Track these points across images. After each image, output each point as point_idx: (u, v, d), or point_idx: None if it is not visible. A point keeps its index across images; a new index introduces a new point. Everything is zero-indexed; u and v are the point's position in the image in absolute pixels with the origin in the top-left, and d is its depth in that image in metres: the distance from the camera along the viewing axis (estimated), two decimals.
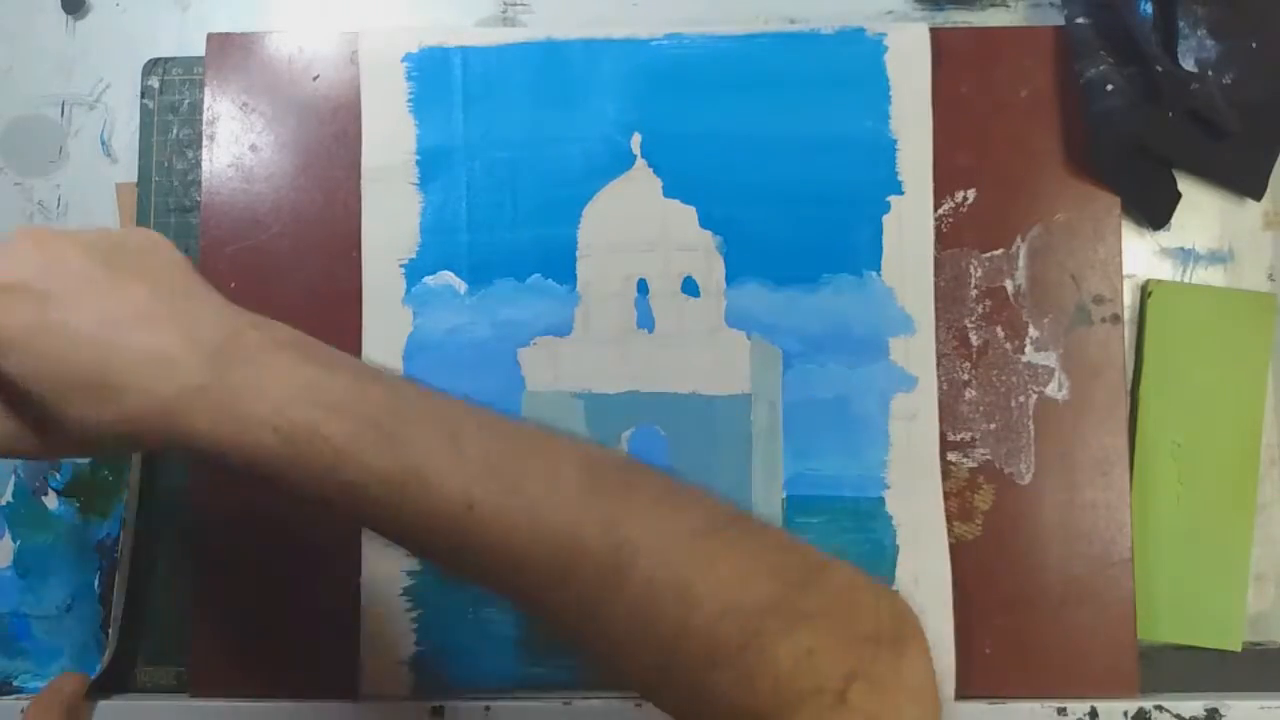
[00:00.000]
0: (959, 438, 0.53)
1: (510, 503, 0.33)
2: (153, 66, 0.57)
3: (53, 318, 0.35)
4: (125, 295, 0.35)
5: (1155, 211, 0.55)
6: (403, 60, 0.55)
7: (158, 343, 0.35)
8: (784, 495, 0.52)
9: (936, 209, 0.54)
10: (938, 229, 0.54)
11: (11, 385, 0.35)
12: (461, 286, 0.54)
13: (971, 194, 0.54)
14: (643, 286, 0.54)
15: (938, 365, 0.53)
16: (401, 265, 0.54)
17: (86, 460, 0.54)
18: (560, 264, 0.54)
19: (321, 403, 0.34)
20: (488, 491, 0.33)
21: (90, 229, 0.39)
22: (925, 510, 0.52)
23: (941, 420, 0.53)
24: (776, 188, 0.54)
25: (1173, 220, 0.55)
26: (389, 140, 0.55)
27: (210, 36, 0.56)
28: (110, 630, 0.52)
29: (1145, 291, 0.54)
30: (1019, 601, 0.52)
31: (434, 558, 0.36)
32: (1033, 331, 0.53)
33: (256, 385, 0.34)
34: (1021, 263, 0.54)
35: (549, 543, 0.33)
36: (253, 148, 0.55)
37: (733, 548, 0.33)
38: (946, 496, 0.52)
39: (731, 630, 0.31)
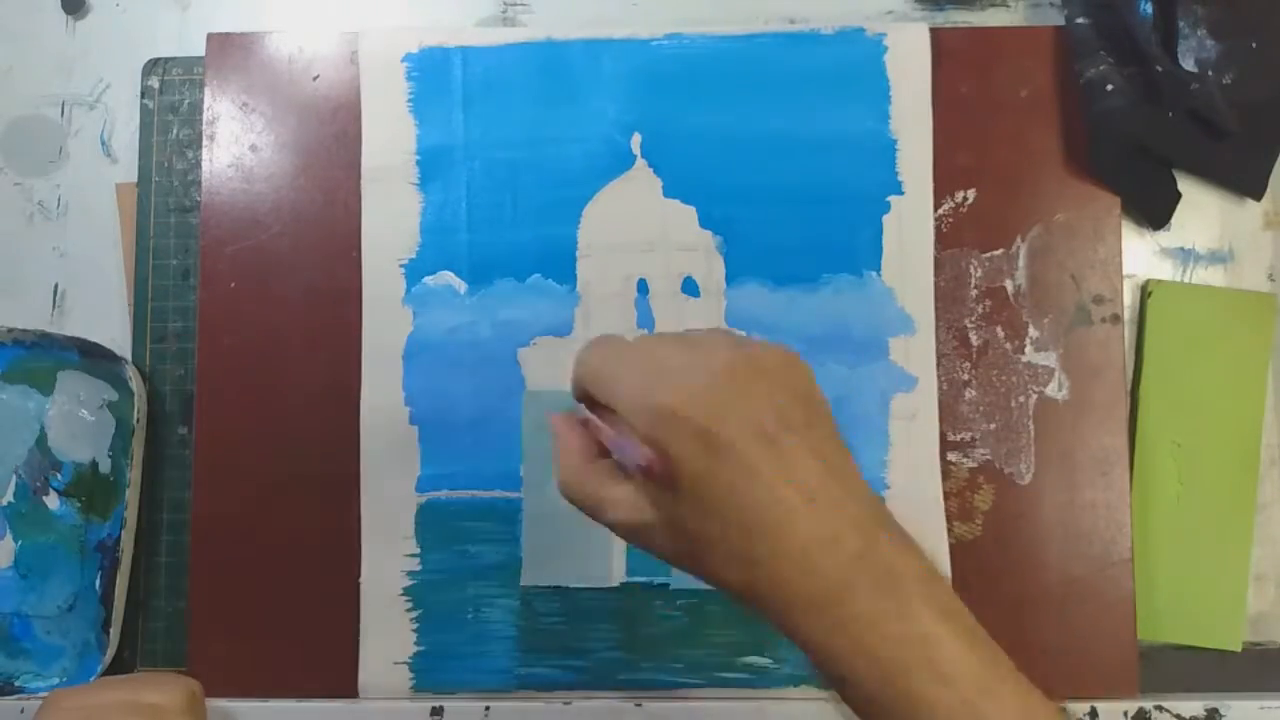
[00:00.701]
0: (959, 438, 0.53)
1: None
2: (153, 66, 0.57)
3: (724, 474, 0.33)
4: (798, 461, 0.34)
5: (1155, 211, 0.55)
6: (403, 60, 0.55)
7: (807, 538, 0.33)
8: None
9: (936, 209, 0.54)
10: (938, 229, 0.54)
11: (665, 495, 0.34)
12: (461, 286, 0.54)
13: (971, 194, 0.54)
14: (643, 286, 0.54)
15: (938, 365, 0.53)
16: (401, 265, 0.54)
17: (87, 460, 0.54)
18: (560, 264, 0.54)
19: (931, 663, 0.33)
20: None
21: (759, 350, 0.36)
22: (925, 510, 0.52)
23: (941, 420, 0.53)
24: (776, 188, 0.54)
25: (1173, 220, 0.55)
26: (389, 140, 0.55)
27: (210, 36, 0.56)
28: (110, 630, 0.52)
29: (1145, 291, 0.54)
30: (1019, 601, 0.52)
31: None
32: (1033, 331, 0.53)
33: (878, 610, 0.33)
34: (1021, 263, 0.54)
35: None
36: (253, 148, 0.55)
37: None
38: (946, 496, 0.52)
39: None
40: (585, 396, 0.38)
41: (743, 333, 0.36)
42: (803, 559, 0.33)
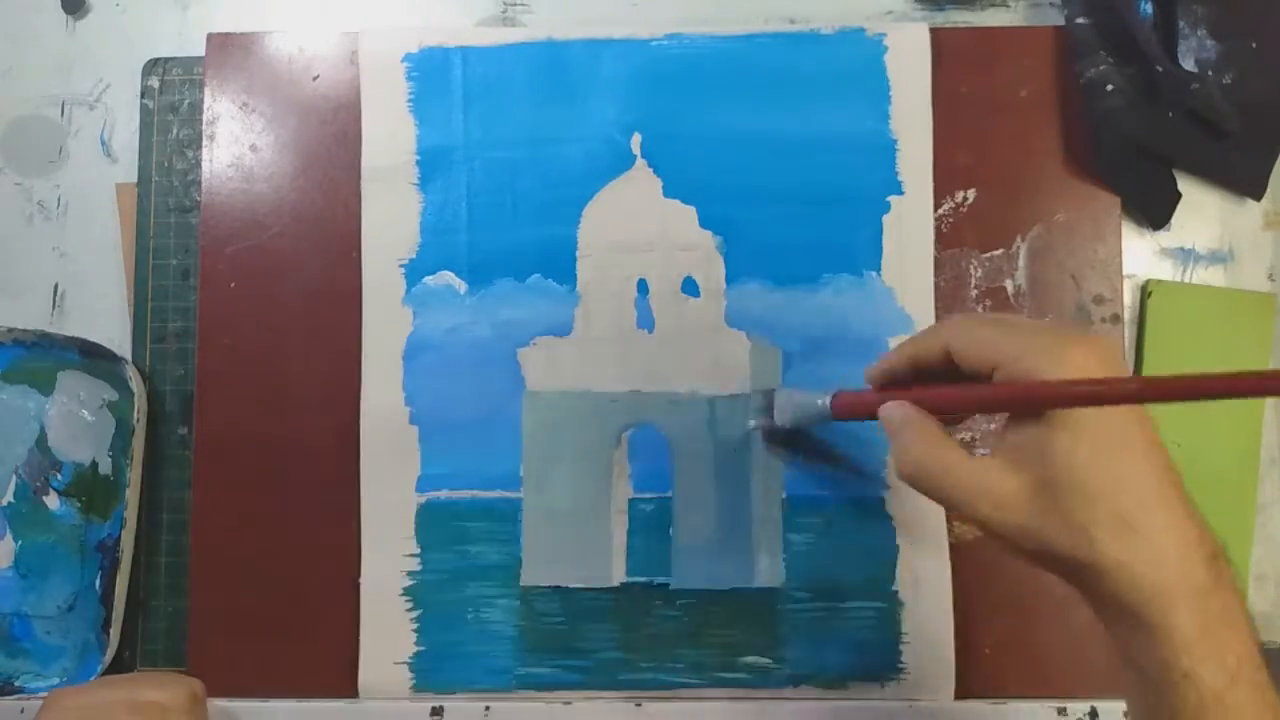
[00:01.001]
0: (959, 438, 0.53)
1: None
2: (153, 66, 0.57)
3: None
4: (1153, 471, 0.35)
5: (1155, 211, 0.55)
6: (403, 60, 0.55)
7: (1183, 518, 0.34)
8: (784, 495, 0.52)
9: (936, 209, 0.54)
10: (938, 229, 0.54)
11: (1063, 475, 0.35)
12: (461, 286, 0.54)
13: (971, 194, 0.54)
14: (643, 286, 0.54)
15: None
16: (401, 265, 0.54)
17: (87, 460, 0.54)
18: (560, 264, 0.54)
19: (1256, 678, 0.34)
20: None
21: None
22: (925, 510, 0.52)
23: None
24: (776, 188, 0.54)
25: (1173, 220, 0.55)
26: (389, 140, 0.55)
27: (210, 36, 0.56)
28: (110, 630, 0.52)
29: (1145, 291, 0.54)
30: (1019, 601, 0.52)
31: None
32: None
33: (1227, 620, 0.34)
34: (1021, 263, 0.54)
35: None
36: (253, 148, 0.55)
37: None
38: None
39: None
40: (939, 366, 0.39)
41: None
42: (1181, 538, 0.34)
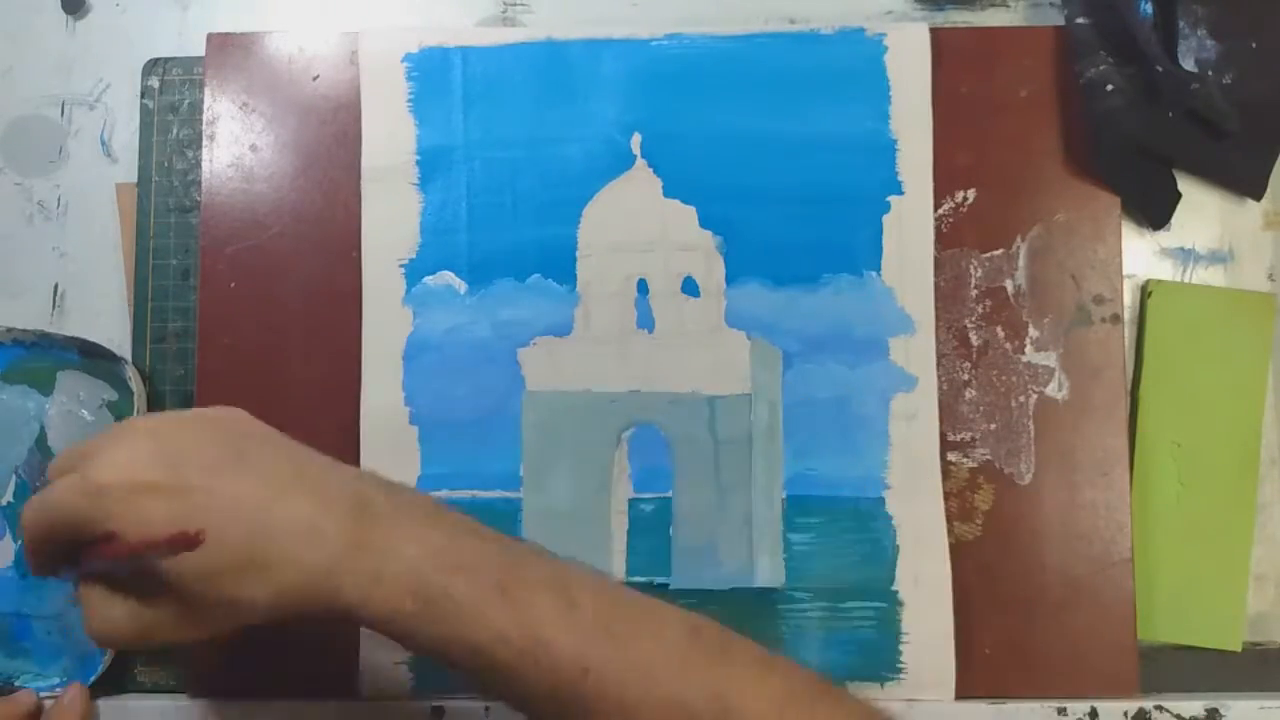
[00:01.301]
0: (959, 438, 0.53)
1: (623, 669, 0.35)
2: (153, 66, 0.57)
3: (195, 509, 0.36)
4: (257, 473, 0.37)
5: (1155, 211, 0.55)
6: (403, 60, 0.55)
7: (299, 514, 0.37)
8: (784, 495, 0.52)
9: (936, 209, 0.54)
10: (938, 229, 0.54)
11: (155, 577, 0.36)
12: (461, 286, 0.54)
13: (971, 194, 0.54)
14: (643, 286, 0.54)
15: (938, 365, 0.53)
16: (401, 265, 0.54)
17: None
18: (560, 264, 0.54)
19: (450, 565, 0.36)
20: (603, 657, 0.35)
21: (173, 413, 0.42)
22: (925, 510, 0.52)
23: (941, 420, 0.53)
24: (776, 188, 0.54)
25: (1173, 220, 0.55)
26: (389, 140, 0.55)
27: (210, 36, 0.56)
28: None
29: (1145, 291, 0.54)
30: (1019, 601, 0.52)
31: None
32: (1033, 331, 0.53)
33: (394, 550, 0.36)
34: (1021, 263, 0.54)
35: (659, 708, 0.34)
36: (253, 148, 0.55)
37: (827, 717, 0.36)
38: (946, 496, 0.52)
39: None
40: (53, 542, 0.39)
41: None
42: (301, 542, 0.36)
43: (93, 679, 0.51)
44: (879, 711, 0.37)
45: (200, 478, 0.37)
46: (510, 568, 0.37)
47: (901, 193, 0.54)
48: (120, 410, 0.54)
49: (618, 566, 0.52)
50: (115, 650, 0.40)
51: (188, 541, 0.35)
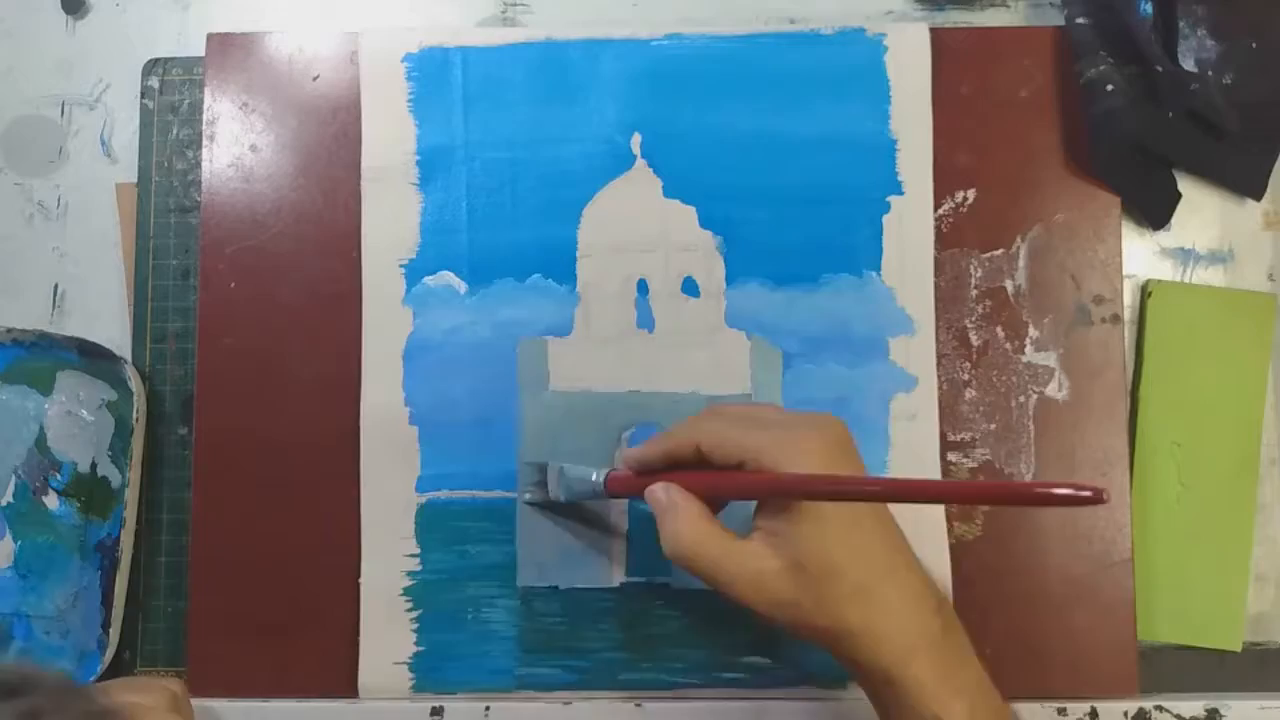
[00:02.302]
0: (959, 438, 0.53)
1: None
2: (153, 66, 0.57)
3: (843, 523, 0.40)
4: (882, 542, 0.42)
5: (1155, 211, 0.55)
6: (403, 60, 0.55)
7: (916, 581, 0.41)
8: None
9: (936, 209, 0.54)
10: (938, 229, 0.54)
11: (780, 537, 0.41)
12: (461, 286, 0.54)
13: (971, 194, 0.54)
14: (643, 286, 0.54)
15: (938, 365, 0.53)
16: (401, 265, 0.54)
17: (86, 461, 0.54)
18: (560, 264, 0.54)
19: (991, 702, 0.41)
20: None
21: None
22: (925, 510, 0.52)
23: (941, 420, 0.53)
24: (776, 188, 0.54)
25: (1173, 220, 0.55)
26: (389, 140, 0.55)
27: (210, 36, 0.56)
28: (110, 630, 0.52)
29: (1145, 291, 0.54)
30: (1019, 601, 0.52)
31: None
32: (1033, 331, 0.53)
33: (960, 658, 0.41)
34: (1021, 263, 0.54)
35: None
36: (253, 148, 0.55)
37: None
38: None
39: None
40: (673, 465, 0.44)
41: None
42: (915, 599, 0.40)
43: (92, 679, 0.51)
44: None
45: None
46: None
47: (901, 193, 0.54)
48: (120, 410, 0.54)
49: (618, 566, 0.52)
50: (681, 565, 0.42)
51: (1093, 496, 0.32)
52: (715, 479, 0.43)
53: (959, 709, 0.39)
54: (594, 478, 0.48)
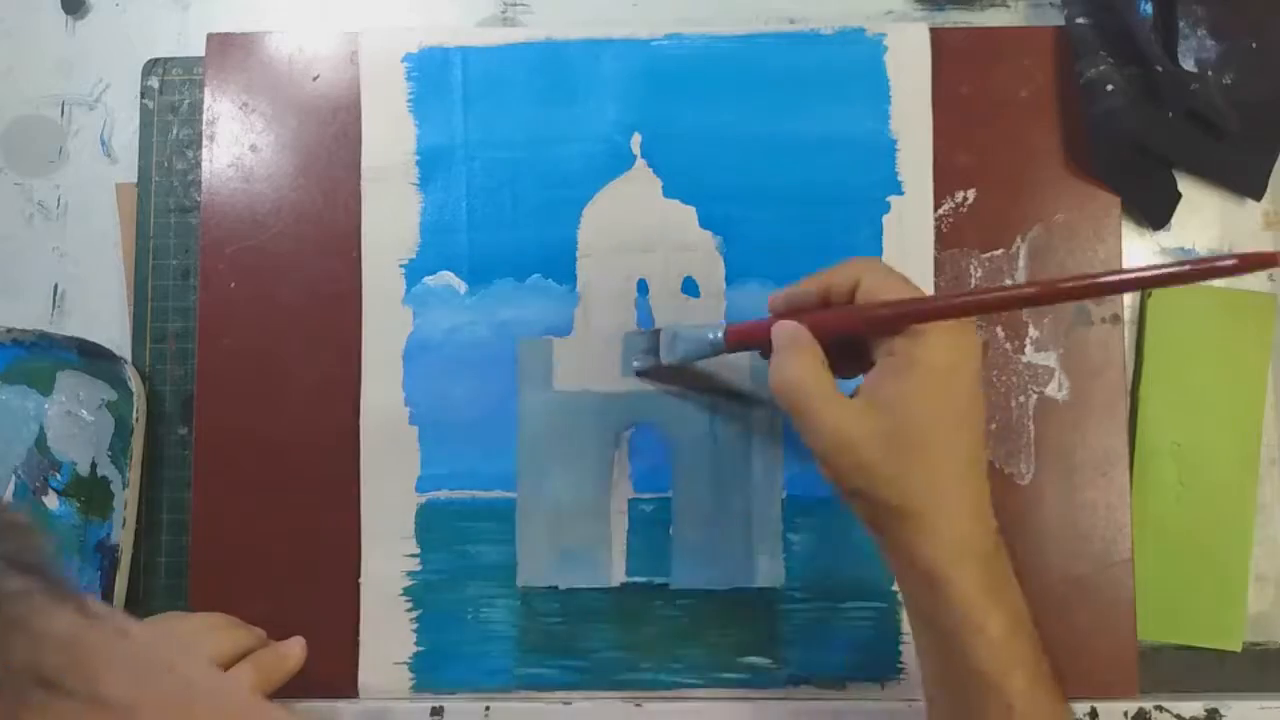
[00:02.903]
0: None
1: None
2: (153, 66, 0.57)
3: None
4: (973, 437, 0.41)
5: (1155, 211, 0.55)
6: (403, 60, 0.55)
7: (973, 501, 0.40)
8: (784, 495, 0.52)
9: (936, 209, 0.54)
10: (938, 229, 0.54)
11: (882, 403, 0.40)
12: (461, 286, 0.54)
13: (971, 194, 0.54)
14: (643, 286, 0.54)
15: None
16: (401, 265, 0.54)
17: (86, 461, 0.54)
18: (560, 264, 0.54)
19: (1027, 626, 0.40)
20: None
21: None
22: None
23: None
24: (776, 188, 0.54)
25: (1173, 220, 0.55)
26: (389, 140, 0.55)
27: (210, 36, 0.56)
28: None
29: (1145, 291, 0.54)
30: None
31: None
32: (1033, 331, 0.53)
33: (1006, 578, 0.40)
34: (1021, 263, 0.54)
35: None
36: (253, 148, 0.55)
37: None
38: None
39: None
40: (845, 300, 0.42)
41: None
42: (979, 505, 0.40)
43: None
44: None
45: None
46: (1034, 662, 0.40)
47: (901, 193, 0.54)
48: (120, 410, 0.54)
49: (618, 566, 0.52)
50: (781, 400, 0.41)
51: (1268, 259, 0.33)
52: (844, 313, 0.42)
53: (999, 621, 0.38)
54: (711, 336, 0.47)
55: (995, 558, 0.40)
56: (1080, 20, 0.54)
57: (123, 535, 0.52)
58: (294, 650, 0.48)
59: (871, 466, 0.39)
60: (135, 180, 0.57)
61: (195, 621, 0.48)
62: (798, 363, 0.41)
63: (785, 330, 0.42)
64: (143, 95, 0.57)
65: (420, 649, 0.52)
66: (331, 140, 0.55)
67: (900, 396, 0.39)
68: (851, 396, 0.40)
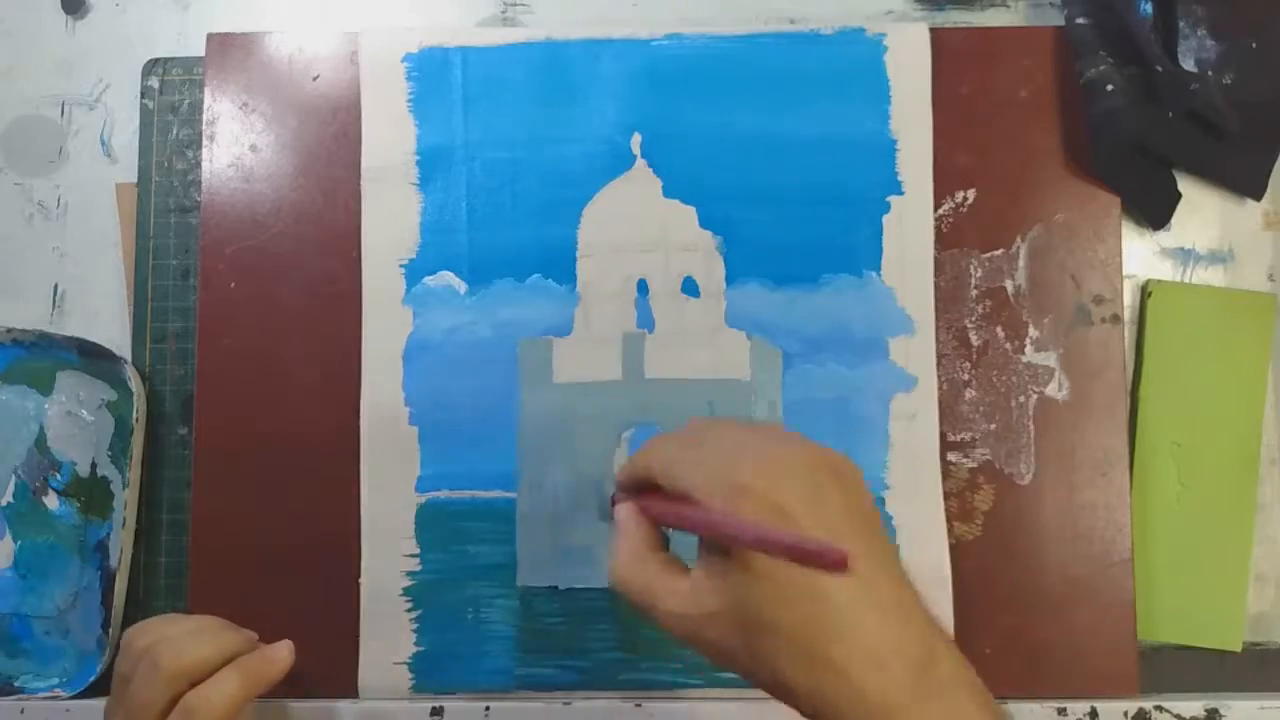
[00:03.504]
0: (959, 438, 0.53)
1: None
2: (153, 66, 0.57)
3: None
4: (868, 568, 0.34)
5: (1155, 211, 0.55)
6: (403, 60, 0.55)
7: (879, 641, 0.33)
8: None
9: (936, 209, 0.54)
10: (938, 229, 0.54)
11: (718, 582, 0.34)
12: (461, 286, 0.54)
13: (971, 194, 0.54)
14: (643, 287, 0.54)
15: (938, 365, 0.53)
16: (401, 265, 0.54)
17: (86, 461, 0.54)
18: (560, 264, 0.54)
19: None
20: None
21: (816, 446, 0.36)
22: (925, 510, 0.52)
23: (941, 420, 0.53)
24: (776, 188, 0.54)
25: (1173, 220, 0.55)
26: (389, 140, 0.55)
27: (210, 36, 0.56)
28: (110, 630, 0.52)
29: (1145, 291, 0.54)
30: (1019, 601, 0.52)
31: None
32: (1033, 331, 0.53)
33: (941, 715, 0.33)
34: (1021, 263, 0.54)
35: None
36: (253, 148, 0.55)
37: None
38: (946, 496, 0.52)
39: None
40: (645, 486, 0.38)
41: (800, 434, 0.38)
42: (874, 662, 0.33)
43: (91, 679, 0.51)
44: None
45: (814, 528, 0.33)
46: None
47: (901, 193, 0.54)
48: (120, 410, 0.54)
49: None
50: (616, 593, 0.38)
51: (833, 562, 0.30)
52: (665, 508, 0.38)
53: None
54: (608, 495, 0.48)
55: (922, 704, 0.33)
56: (1080, 20, 0.54)
57: (123, 535, 0.52)
58: (281, 654, 0.48)
59: (725, 650, 0.35)
60: (135, 180, 0.57)
61: (185, 624, 0.48)
62: (620, 551, 0.38)
63: (619, 516, 0.39)
64: (143, 95, 0.57)
65: (420, 649, 0.52)
66: (331, 140, 0.55)
67: (733, 572, 0.34)
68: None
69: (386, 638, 0.52)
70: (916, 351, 0.53)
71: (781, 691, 0.34)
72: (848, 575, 0.32)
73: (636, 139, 0.54)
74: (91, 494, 0.54)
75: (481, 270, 0.54)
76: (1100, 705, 0.50)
